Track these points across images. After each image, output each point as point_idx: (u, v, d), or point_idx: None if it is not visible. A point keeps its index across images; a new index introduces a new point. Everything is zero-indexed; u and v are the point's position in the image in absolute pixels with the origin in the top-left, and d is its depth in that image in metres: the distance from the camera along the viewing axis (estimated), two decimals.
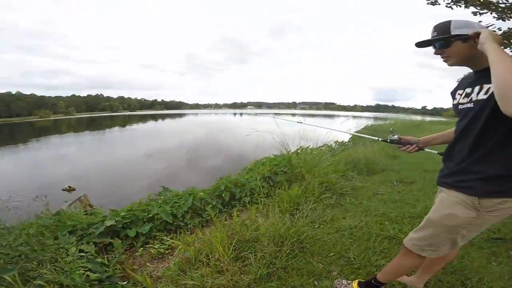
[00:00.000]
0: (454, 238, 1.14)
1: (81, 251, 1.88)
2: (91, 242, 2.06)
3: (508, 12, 3.94)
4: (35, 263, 1.54)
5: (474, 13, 4.29)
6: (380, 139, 1.76)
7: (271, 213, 2.53)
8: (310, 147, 4.79)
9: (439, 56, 1.15)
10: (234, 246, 1.95)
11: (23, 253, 1.59)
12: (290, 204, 2.82)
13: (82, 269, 1.63)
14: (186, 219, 2.73)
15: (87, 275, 1.58)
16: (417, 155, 4.16)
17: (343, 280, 1.64)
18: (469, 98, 1.07)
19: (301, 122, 4.04)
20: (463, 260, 1.84)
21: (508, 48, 4.41)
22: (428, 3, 4.69)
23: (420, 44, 1.20)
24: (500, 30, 4.31)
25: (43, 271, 1.47)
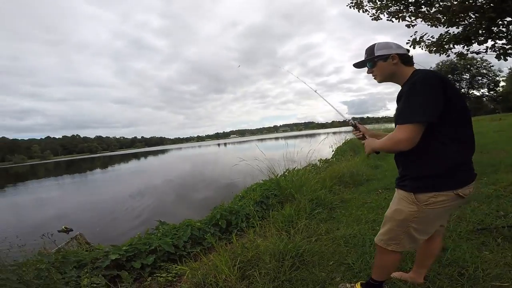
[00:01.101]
0: (408, 232, 1.31)
1: (92, 283, 1.95)
2: (100, 275, 2.12)
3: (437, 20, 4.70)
4: None
5: (408, 26, 5.10)
6: (347, 119, 1.79)
7: (268, 233, 2.70)
8: (296, 168, 5.11)
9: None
10: (238, 266, 2.08)
11: (38, 286, 1.64)
12: (284, 223, 2.98)
13: None
14: (188, 249, 2.83)
15: None
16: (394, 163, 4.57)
17: (347, 284, 1.75)
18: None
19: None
20: (455, 252, 1.94)
21: (440, 53, 5.22)
22: (372, 19, 5.48)
23: (356, 65, 1.42)
24: (433, 37, 5.13)
25: None
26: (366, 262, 2.05)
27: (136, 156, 62.68)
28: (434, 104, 1.10)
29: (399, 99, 1.24)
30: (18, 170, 50.73)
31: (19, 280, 1.60)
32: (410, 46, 5.36)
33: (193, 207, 9.14)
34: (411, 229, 1.30)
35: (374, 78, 1.38)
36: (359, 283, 1.66)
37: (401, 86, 1.30)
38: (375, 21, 5.48)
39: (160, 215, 8.08)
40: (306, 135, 51.46)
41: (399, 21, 5.09)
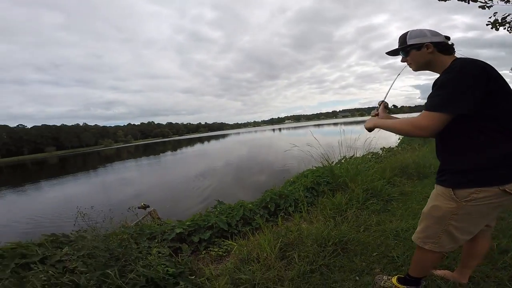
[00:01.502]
0: (447, 230, 1.22)
1: (159, 252, 2.28)
2: (166, 246, 2.49)
3: None
4: (131, 259, 1.92)
5: (482, 7, 4.12)
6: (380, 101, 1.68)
7: (315, 219, 2.71)
8: (353, 156, 4.81)
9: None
10: (280, 247, 2.20)
11: (119, 254, 1.98)
12: (333, 211, 2.93)
13: (162, 266, 1.98)
14: (239, 227, 3.07)
15: (167, 270, 1.93)
16: None
17: (384, 276, 1.70)
18: None
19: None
20: None
21: None
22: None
23: (389, 53, 1.38)
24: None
25: (137, 267, 1.82)
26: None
27: (200, 140, 68.87)
28: (468, 95, 1.03)
29: (433, 87, 1.15)
30: (107, 152, 61.71)
31: (106, 248, 1.98)
32: (491, 28, 4.33)
33: (247, 189, 9.67)
34: (450, 227, 1.21)
35: (410, 67, 1.33)
36: (396, 276, 1.61)
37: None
38: (442, 1, 4.55)
39: (219, 195, 8.88)
40: None
41: (468, 3, 4.11)
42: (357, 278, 1.82)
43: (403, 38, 1.28)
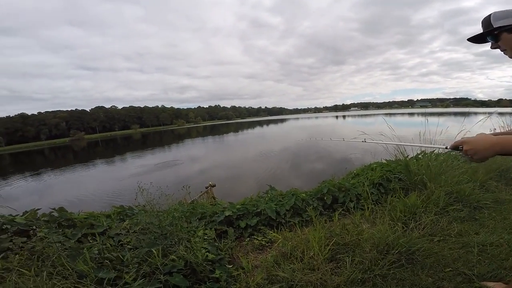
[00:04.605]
0: None
1: (205, 234, 2.28)
2: (213, 228, 2.49)
3: None
4: (175, 240, 1.94)
5: None
6: None
7: (379, 221, 2.32)
8: (436, 151, 4.02)
9: None
10: (331, 247, 1.94)
11: (168, 232, 2.00)
12: (404, 213, 2.49)
13: (204, 249, 1.96)
14: (287, 217, 2.86)
15: (207, 255, 1.89)
16: None
17: None
18: None
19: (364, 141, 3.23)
20: None
21: None
22: None
23: (472, 40, 1.17)
24: None
25: (179, 249, 1.82)
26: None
27: (260, 123, 70.47)
28: None
29: None
30: (180, 131, 69.23)
31: (158, 225, 2.03)
32: None
33: (302, 177, 9.41)
34: None
35: (505, 54, 1.11)
36: None
37: None
38: None
39: (273, 179, 8.95)
40: (455, 113, 40.02)
41: None
42: None
43: (486, 21, 1.09)
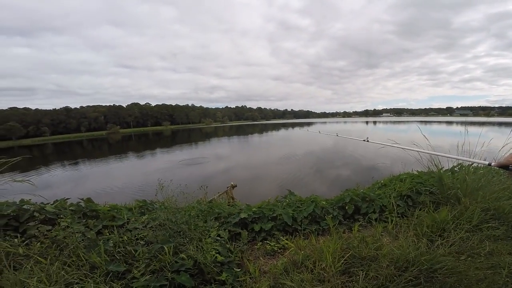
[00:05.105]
0: None
1: (218, 235, 2.27)
2: (227, 230, 2.48)
3: None
4: (187, 239, 1.95)
5: None
6: None
7: (402, 235, 2.15)
8: (474, 164, 3.63)
9: None
10: (346, 260, 1.84)
11: (182, 230, 2.03)
12: (431, 228, 2.30)
13: (214, 251, 1.94)
14: (304, 225, 2.78)
15: (216, 257, 1.87)
16: None
17: None
18: None
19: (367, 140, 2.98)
20: None
21: None
22: None
23: None
24: None
25: (189, 248, 1.83)
26: None
27: (285, 125, 69.90)
28: None
29: None
30: (207, 130, 71.14)
31: (175, 221, 2.06)
32: None
33: (325, 183, 9.10)
34: None
35: None
36: None
37: None
38: None
39: (294, 184, 8.77)
40: (500, 123, 36.24)
41: None
42: None
43: None
